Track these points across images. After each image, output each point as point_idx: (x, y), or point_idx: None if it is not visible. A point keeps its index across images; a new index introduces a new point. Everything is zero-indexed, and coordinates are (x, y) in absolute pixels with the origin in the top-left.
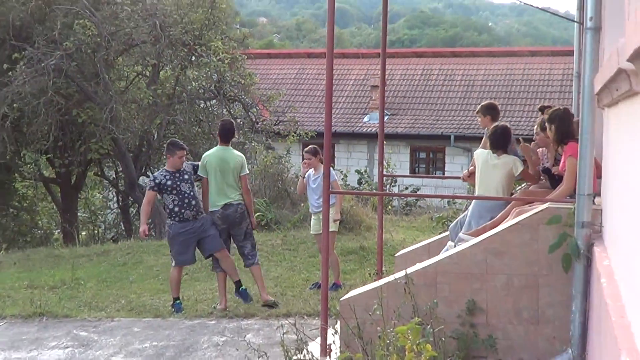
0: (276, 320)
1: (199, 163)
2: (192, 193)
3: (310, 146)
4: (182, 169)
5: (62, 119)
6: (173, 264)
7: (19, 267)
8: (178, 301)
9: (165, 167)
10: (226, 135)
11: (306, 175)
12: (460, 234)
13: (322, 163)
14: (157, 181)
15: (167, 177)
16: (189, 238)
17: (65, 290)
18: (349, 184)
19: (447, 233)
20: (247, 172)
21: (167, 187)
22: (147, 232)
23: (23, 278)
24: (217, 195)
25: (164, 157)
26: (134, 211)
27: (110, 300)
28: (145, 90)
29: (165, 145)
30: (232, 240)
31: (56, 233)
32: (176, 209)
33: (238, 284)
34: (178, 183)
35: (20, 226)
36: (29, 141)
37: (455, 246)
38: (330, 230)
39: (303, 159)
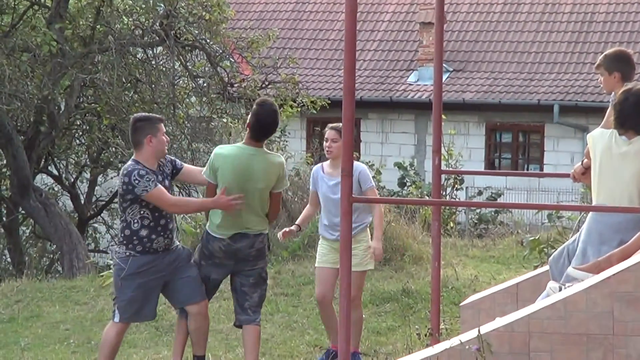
0: None
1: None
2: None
3: (338, 123)
4: (160, 166)
5: None
6: (116, 319)
7: None
8: None
9: (136, 159)
10: (261, 130)
11: (315, 175)
12: (570, 270)
13: None
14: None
15: (150, 177)
16: (152, 280)
17: None
18: (384, 186)
19: (547, 268)
20: (287, 185)
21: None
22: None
23: None
24: (227, 219)
25: (80, 142)
26: (28, 231)
27: None
28: (45, 32)
29: (79, 120)
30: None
31: None
32: (143, 232)
33: None
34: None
35: None
36: None
37: (560, 289)
38: (360, 269)
39: (325, 141)
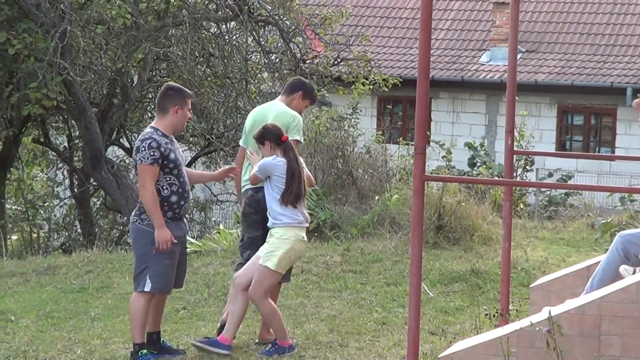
0: None
1: None
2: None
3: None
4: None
5: None
6: (146, 288)
7: None
8: (143, 351)
9: (155, 126)
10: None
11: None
12: None
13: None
14: (161, 149)
15: (168, 143)
16: (178, 250)
17: None
18: (454, 166)
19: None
20: (298, 138)
21: (170, 160)
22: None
23: None
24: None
25: (150, 114)
26: (99, 203)
27: (58, 349)
28: (120, 4)
29: (152, 93)
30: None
31: None
32: (174, 198)
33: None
34: (179, 158)
35: None
36: None
37: (634, 272)
38: (264, 264)
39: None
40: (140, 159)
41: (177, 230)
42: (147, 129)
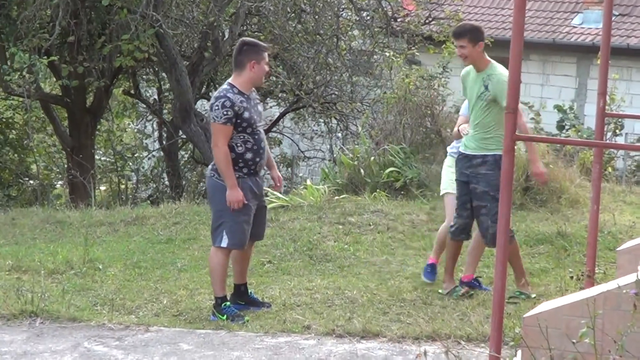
0: (414, 344)
1: None
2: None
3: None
4: (253, 92)
5: None
6: (223, 243)
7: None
8: (227, 303)
9: (232, 83)
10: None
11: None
12: None
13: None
14: (235, 108)
15: (243, 101)
16: (254, 205)
17: (73, 278)
18: (542, 128)
19: None
20: None
21: (244, 119)
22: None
23: (5, 255)
24: None
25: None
26: (187, 155)
27: (144, 298)
28: None
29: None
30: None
31: (59, 185)
32: (248, 155)
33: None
34: (255, 116)
35: (1, 172)
36: (20, 33)
37: None
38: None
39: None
40: (213, 117)
41: (254, 185)
42: (224, 86)
